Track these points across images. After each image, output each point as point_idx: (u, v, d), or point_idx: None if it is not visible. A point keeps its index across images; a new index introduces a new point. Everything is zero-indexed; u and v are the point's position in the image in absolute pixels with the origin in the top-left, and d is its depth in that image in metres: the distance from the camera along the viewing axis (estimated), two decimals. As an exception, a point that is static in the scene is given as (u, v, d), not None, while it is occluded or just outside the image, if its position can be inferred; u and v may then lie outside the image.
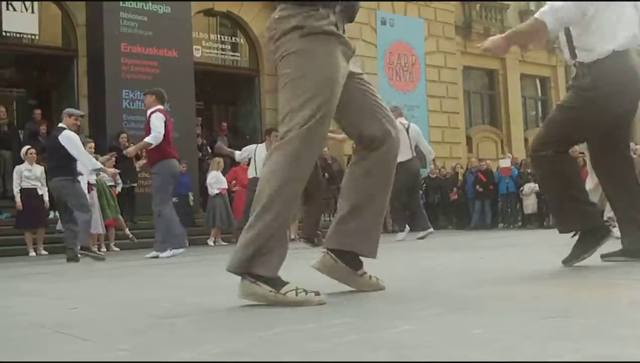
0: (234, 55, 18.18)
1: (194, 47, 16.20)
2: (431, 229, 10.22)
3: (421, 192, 17.62)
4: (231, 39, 18.12)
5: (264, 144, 10.26)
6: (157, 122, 8.36)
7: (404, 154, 10.30)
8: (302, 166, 2.69)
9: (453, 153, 20.81)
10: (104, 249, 11.48)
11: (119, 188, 12.07)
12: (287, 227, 2.72)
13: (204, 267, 6.11)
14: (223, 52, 17.65)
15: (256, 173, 9.44)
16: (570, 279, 2.83)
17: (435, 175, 18.60)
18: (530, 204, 16.13)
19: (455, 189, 18.12)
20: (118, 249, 11.76)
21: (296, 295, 2.56)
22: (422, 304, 2.47)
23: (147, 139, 8.33)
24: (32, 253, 11.03)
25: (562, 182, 3.66)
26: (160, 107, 8.64)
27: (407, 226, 10.51)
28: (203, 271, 5.55)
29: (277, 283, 2.59)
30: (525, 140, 23.25)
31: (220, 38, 17.72)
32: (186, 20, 15.28)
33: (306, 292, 2.57)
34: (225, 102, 19.98)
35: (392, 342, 1.70)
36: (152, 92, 8.84)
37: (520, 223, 16.77)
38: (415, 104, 20.54)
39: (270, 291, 2.56)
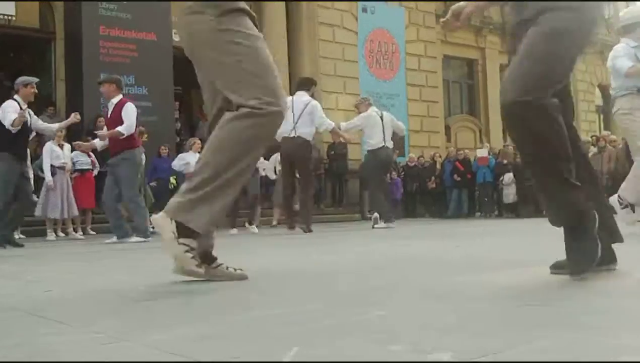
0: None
1: (174, 31, 16.09)
2: (393, 225, 10.22)
3: (398, 179, 17.71)
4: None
5: None
6: (132, 114, 8.32)
7: (376, 141, 10.39)
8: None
9: (432, 142, 20.89)
10: (80, 233, 11.43)
11: (95, 171, 11.93)
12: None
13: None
14: (202, 37, 17.52)
15: None
16: (543, 268, 2.86)
17: (413, 164, 18.67)
18: (510, 194, 16.25)
19: (433, 178, 18.20)
20: (94, 233, 11.68)
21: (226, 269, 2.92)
22: (395, 290, 2.49)
23: (119, 129, 8.21)
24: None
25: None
26: (122, 97, 8.57)
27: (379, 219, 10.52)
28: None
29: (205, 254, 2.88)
30: (504, 130, 23.37)
31: (200, 23, 17.57)
32: (165, 4, 15.16)
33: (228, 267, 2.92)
34: (204, 87, 19.87)
35: (364, 326, 1.72)
36: (111, 81, 8.65)
37: (497, 213, 16.90)
38: (395, 93, 20.57)
39: (191, 258, 2.78)
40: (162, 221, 2.77)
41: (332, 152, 17.02)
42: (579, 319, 1.73)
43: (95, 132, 10.49)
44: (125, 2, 14.41)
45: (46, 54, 15.39)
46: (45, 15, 15.44)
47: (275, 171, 13.41)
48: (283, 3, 18.33)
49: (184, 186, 2.87)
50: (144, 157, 9.93)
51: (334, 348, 1.47)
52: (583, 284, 2.44)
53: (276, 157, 13.71)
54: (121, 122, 8.23)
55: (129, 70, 14.25)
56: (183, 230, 2.76)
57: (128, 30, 14.52)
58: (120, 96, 8.51)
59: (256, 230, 10.04)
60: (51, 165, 10.74)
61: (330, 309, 2.04)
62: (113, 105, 8.43)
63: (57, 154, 10.91)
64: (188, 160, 10.96)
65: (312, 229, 9.22)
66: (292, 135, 9.29)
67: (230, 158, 2.80)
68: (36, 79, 8.48)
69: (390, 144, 10.55)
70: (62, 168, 10.86)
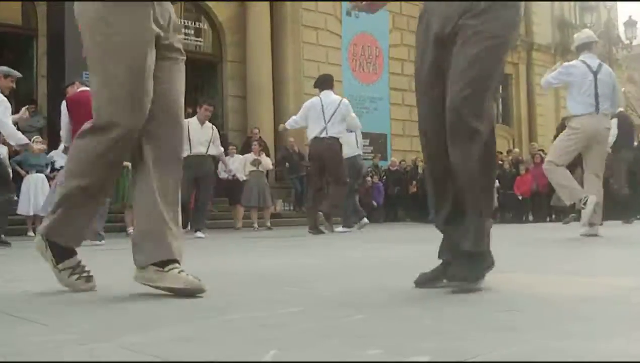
0: (197, 41, 18.05)
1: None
2: (353, 229, 10.21)
3: (379, 183, 17.74)
4: (195, 24, 17.99)
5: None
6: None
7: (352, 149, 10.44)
8: None
9: (414, 146, 20.96)
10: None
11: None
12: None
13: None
14: (186, 37, 17.50)
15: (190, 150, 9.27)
16: (523, 274, 2.88)
17: (395, 168, 18.72)
18: (491, 200, 16.35)
19: (415, 182, 18.25)
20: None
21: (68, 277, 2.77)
22: (374, 294, 2.49)
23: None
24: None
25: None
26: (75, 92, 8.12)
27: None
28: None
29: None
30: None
31: (184, 23, 17.55)
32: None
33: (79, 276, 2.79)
34: (187, 87, 19.62)
35: (343, 330, 1.72)
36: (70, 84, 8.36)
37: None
38: (378, 96, 20.63)
39: (53, 262, 2.77)
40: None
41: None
42: (556, 324, 1.74)
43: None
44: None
45: (28, 51, 15.28)
46: (27, 12, 15.34)
47: (244, 172, 13.32)
48: (267, 4, 18.33)
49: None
50: None
51: (312, 352, 1.47)
52: (559, 290, 2.46)
53: (246, 157, 13.66)
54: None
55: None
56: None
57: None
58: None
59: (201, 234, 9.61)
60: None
61: (308, 313, 2.04)
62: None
63: None
64: None
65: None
66: (323, 135, 9.21)
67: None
68: (19, 74, 8.20)
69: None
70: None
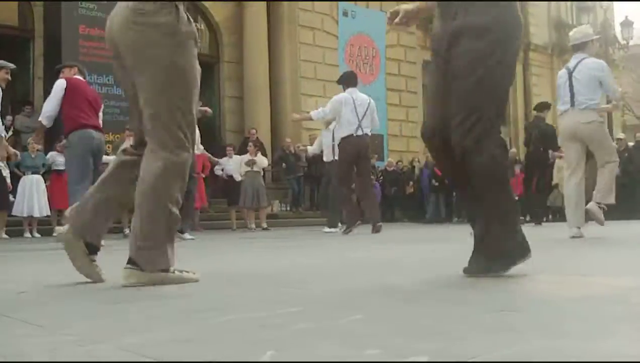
0: (194, 41, 18.02)
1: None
2: (337, 230, 10.19)
3: (376, 184, 17.73)
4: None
5: None
6: (56, 89, 7.64)
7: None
8: None
9: (410, 147, 20.99)
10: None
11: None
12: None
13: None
14: (183, 38, 17.44)
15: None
16: (521, 274, 2.88)
17: (392, 169, 18.72)
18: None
19: (411, 183, 18.26)
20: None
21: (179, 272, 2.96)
22: (372, 294, 2.49)
23: (40, 118, 7.71)
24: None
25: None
26: (77, 77, 7.92)
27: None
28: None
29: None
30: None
31: (181, 23, 17.49)
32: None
33: (180, 271, 2.96)
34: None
35: (341, 331, 1.71)
36: (69, 65, 8.14)
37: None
38: (375, 97, 20.51)
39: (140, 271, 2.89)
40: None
41: (312, 156, 17.02)
42: (554, 325, 1.74)
43: None
44: (105, 2, 14.31)
45: (25, 52, 15.26)
46: (24, 13, 15.32)
47: (240, 172, 13.30)
48: (264, 5, 18.32)
49: None
50: None
51: (310, 352, 1.46)
52: (557, 290, 2.46)
53: (242, 158, 13.64)
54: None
55: (108, 70, 14.15)
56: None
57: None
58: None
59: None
60: None
61: (306, 313, 2.04)
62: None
63: None
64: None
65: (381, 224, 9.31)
66: (358, 133, 9.20)
67: None
68: (12, 66, 7.98)
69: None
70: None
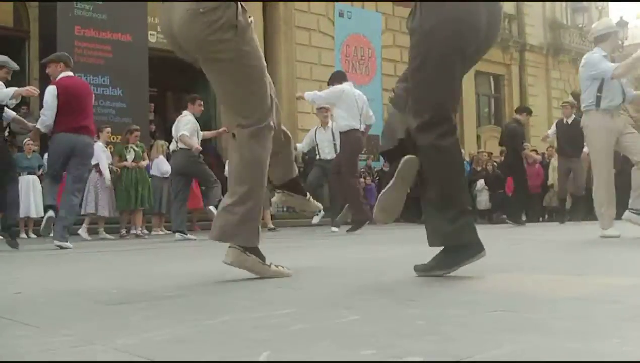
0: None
1: (149, 32, 16.00)
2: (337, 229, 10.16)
3: (372, 184, 17.75)
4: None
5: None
6: (48, 98, 7.55)
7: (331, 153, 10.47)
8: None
9: (406, 147, 20.95)
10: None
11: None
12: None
13: (153, 254, 6.07)
14: (179, 38, 17.43)
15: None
16: (516, 273, 2.88)
17: (388, 169, 18.73)
18: (482, 200, 16.35)
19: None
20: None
21: (276, 267, 3.14)
22: (369, 295, 2.49)
23: (37, 124, 7.69)
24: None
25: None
26: (64, 74, 7.79)
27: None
28: (152, 258, 5.51)
29: (260, 254, 3.10)
30: (478, 136, 23.55)
31: (177, 24, 17.49)
32: (142, 5, 15.07)
33: (276, 265, 3.13)
34: (179, 89, 19.81)
35: (336, 331, 1.72)
36: (59, 59, 7.97)
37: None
38: (371, 97, 20.54)
39: (259, 262, 3.07)
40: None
41: (307, 156, 17.01)
42: (549, 324, 1.74)
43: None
44: (100, 3, 14.31)
45: (20, 53, 15.22)
46: (19, 13, 15.28)
47: None
48: (260, 5, 18.31)
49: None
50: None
51: (306, 353, 1.47)
52: (553, 290, 2.47)
53: None
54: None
55: (104, 71, 14.19)
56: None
57: (103, 31, 14.40)
58: (59, 76, 7.85)
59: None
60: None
61: (302, 313, 2.04)
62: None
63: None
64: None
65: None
66: (362, 128, 9.17)
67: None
68: (16, 66, 7.93)
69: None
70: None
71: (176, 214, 9.38)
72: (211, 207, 9.30)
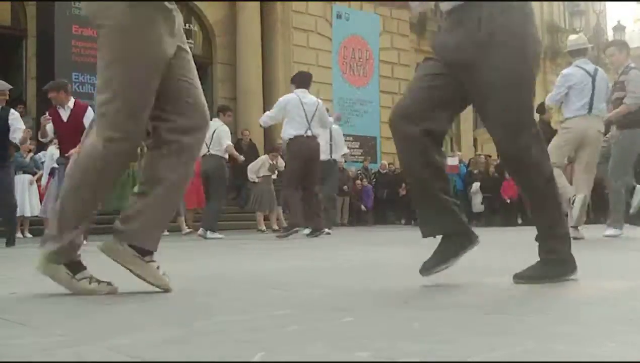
0: (187, 43, 17.99)
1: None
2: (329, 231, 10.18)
3: (369, 186, 17.76)
4: (185, 25, 17.92)
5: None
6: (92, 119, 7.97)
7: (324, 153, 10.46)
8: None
9: (403, 149, 20.95)
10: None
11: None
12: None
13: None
14: (176, 39, 17.43)
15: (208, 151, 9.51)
16: (509, 277, 2.88)
17: (385, 171, 18.74)
18: (477, 203, 16.37)
19: (404, 185, 18.24)
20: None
21: (89, 284, 2.66)
22: (363, 297, 2.49)
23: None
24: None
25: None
26: (74, 100, 8.29)
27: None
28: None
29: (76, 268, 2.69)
30: (474, 139, 23.57)
31: (174, 24, 17.49)
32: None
33: (98, 281, 2.68)
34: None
35: (331, 333, 1.71)
36: (58, 88, 8.22)
37: (466, 220, 17.00)
38: (368, 99, 20.64)
39: (68, 273, 2.66)
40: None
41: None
42: (544, 328, 1.74)
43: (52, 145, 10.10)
44: (98, 2, 14.27)
45: (17, 52, 15.22)
46: (17, 12, 15.27)
47: (258, 175, 13.22)
48: (258, 6, 18.31)
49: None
50: None
51: (300, 354, 1.46)
52: (548, 293, 2.47)
53: (262, 161, 13.53)
54: (82, 127, 7.75)
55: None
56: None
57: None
58: (73, 99, 8.24)
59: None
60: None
61: (296, 315, 2.03)
62: (70, 110, 8.11)
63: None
64: None
65: (325, 229, 9.17)
66: (308, 134, 9.01)
67: None
68: (9, 86, 8.23)
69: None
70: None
71: (209, 213, 10.04)
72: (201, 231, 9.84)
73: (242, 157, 9.96)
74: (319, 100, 9.40)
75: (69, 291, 2.66)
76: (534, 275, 2.73)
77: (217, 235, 9.69)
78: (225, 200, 10.49)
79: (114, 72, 2.68)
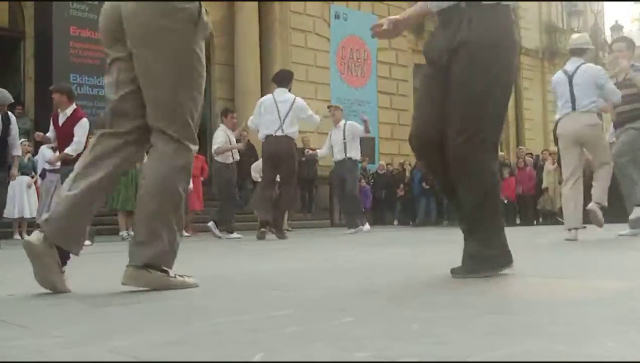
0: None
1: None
2: (362, 228, 10.50)
3: (367, 187, 17.76)
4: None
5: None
6: (83, 133, 8.03)
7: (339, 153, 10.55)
8: None
9: (401, 150, 20.99)
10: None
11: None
12: None
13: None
14: (174, 40, 17.41)
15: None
16: (510, 277, 2.88)
17: (383, 171, 18.74)
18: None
19: (402, 185, 18.27)
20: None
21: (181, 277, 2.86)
22: (363, 297, 2.49)
23: (68, 151, 7.96)
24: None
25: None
26: (75, 107, 8.32)
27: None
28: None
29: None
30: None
31: (172, 25, 17.47)
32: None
33: (181, 276, 2.86)
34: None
35: (331, 333, 1.71)
36: (61, 91, 8.30)
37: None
38: (366, 100, 20.65)
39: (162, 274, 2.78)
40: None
41: (303, 158, 17.02)
42: (543, 328, 1.74)
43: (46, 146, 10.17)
44: (96, 3, 14.27)
45: (15, 53, 15.20)
46: (15, 14, 15.25)
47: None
48: (256, 5, 18.30)
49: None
50: None
51: (300, 355, 1.46)
52: (547, 293, 2.46)
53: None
54: (72, 136, 7.97)
55: (99, 72, 14.13)
56: None
57: (99, 31, 14.34)
58: (74, 107, 8.27)
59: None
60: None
61: (296, 316, 2.03)
62: (66, 116, 8.15)
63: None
64: None
65: (285, 236, 9.14)
66: (278, 133, 9.03)
67: None
68: (11, 99, 8.37)
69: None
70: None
71: (220, 216, 10.29)
72: (211, 224, 10.06)
73: (239, 145, 10.28)
74: (296, 98, 9.35)
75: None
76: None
77: (234, 235, 10.07)
78: (235, 201, 10.54)
79: None
